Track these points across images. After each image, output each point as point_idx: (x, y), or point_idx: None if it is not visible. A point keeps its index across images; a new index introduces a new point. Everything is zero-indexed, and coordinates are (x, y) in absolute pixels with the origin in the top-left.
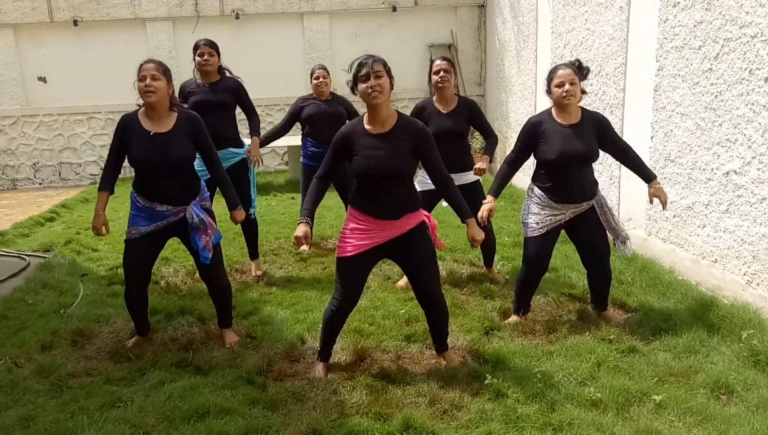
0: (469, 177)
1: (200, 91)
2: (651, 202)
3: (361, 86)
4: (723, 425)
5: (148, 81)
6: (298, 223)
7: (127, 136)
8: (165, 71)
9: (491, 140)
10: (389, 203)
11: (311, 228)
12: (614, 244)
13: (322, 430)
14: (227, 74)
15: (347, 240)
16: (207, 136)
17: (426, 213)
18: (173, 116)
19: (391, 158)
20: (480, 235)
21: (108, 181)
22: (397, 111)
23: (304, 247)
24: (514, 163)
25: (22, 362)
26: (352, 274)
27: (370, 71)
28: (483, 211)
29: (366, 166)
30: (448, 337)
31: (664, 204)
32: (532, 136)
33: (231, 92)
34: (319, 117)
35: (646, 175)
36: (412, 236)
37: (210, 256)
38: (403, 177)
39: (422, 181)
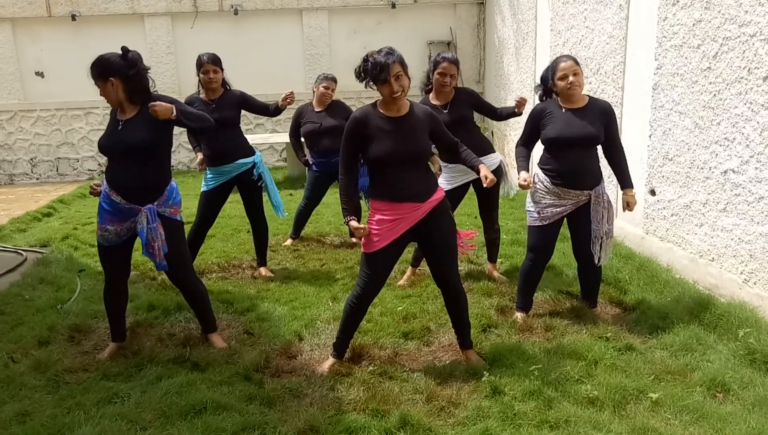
0: (493, 160)
1: (206, 110)
2: (624, 209)
3: (382, 88)
4: (719, 423)
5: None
6: (348, 224)
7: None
8: (101, 73)
9: (500, 110)
10: (414, 184)
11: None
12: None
13: (319, 426)
14: (228, 87)
15: (375, 233)
16: (178, 105)
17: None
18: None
19: (413, 138)
20: (491, 175)
21: None
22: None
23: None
24: (526, 145)
25: (19, 358)
26: (380, 264)
27: (390, 77)
28: (525, 180)
29: (389, 148)
30: (470, 330)
31: (630, 208)
32: (538, 119)
33: (235, 107)
34: (316, 133)
35: (624, 181)
36: (437, 217)
37: (165, 264)
38: (424, 157)
39: (448, 179)
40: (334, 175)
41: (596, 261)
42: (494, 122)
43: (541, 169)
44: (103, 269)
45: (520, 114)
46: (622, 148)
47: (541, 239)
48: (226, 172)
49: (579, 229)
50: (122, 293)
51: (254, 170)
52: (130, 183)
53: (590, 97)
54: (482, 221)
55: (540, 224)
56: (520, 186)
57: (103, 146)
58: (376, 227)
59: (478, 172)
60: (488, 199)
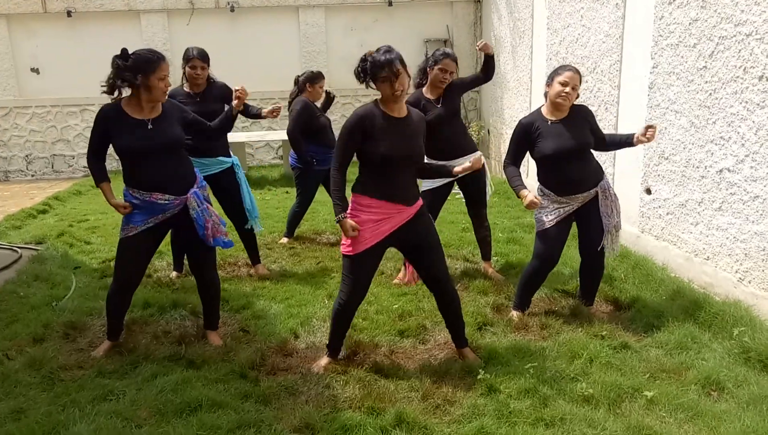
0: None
1: (190, 102)
2: (644, 135)
3: (383, 87)
4: (714, 421)
5: (168, 82)
6: (341, 221)
7: (112, 127)
8: None
9: (480, 73)
10: (405, 187)
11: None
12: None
13: (314, 424)
14: (212, 80)
15: (359, 233)
16: (189, 112)
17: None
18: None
19: (412, 140)
20: (476, 160)
21: (104, 172)
22: None
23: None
24: (515, 162)
25: (14, 355)
26: (364, 267)
27: (392, 75)
28: (530, 200)
29: (391, 147)
30: (464, 329)
31: (652, 133)
32: (527, 136)
33: (220, 100)
34: (327, 126)
35: (627, 139)
36: (419, 221)
37: (228, 239)
38: (420, 160)
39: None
40: (323, 172)
41: (609, 253)
42: (491, 121)
43: (543, 186)
44: (120, 269)
45: (490, 54)
46: (603, 133)
47: (550, 245)
48: (205, 166)
49: (588, 223)
50: (129, 297)
51: (233, 171)
52: (171, 177)
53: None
54: (471, 220)
55: (548, 228)
56: (529, 206)
57: (138, 148)
58: (361, 227)
59: (455, 174)
60: (474, 197)
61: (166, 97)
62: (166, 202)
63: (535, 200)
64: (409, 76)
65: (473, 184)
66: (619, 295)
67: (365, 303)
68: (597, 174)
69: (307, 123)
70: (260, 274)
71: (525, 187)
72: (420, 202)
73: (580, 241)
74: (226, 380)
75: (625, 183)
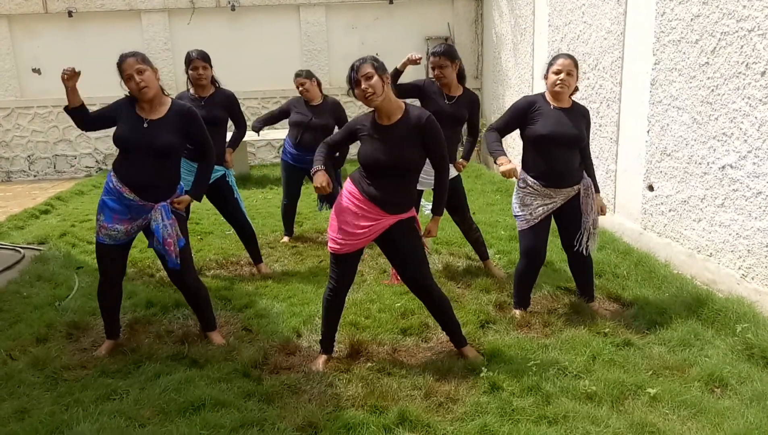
0: (452, 172)
1: (194, 106)
2: (598, 213)
3: (356, 91)
4: (717, 418)
5: (137, 78)
6: (314, 173)
7: (119, 114)
8: (145, 59)
9: (473, 139)
10: (387, 192)
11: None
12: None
13: (317, 422)
14: (218, 86)
15: (339, 232)
16: (200, 127)
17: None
18: (167, 103)
19: (393, 150)
20: (434, 232)
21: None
22: (405, 103)
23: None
24: (500, 132)
25: (17, 355)
26: (348, 261)
27: (359, 77)
28: (508, 168)
29: (367, 156)
30: (461, 329)
31: (603, 212)
32: (525, 112)
33: (225, 107)
34: (302, 126)
35: (595, 186)
36: (401, 227)
37: (178, 261)
38: (404, 170)
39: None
40: (307, 171)
41: (584, 252)
42: (492, 118)
43: (528, 175)
44: (100, 267)
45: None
46: (590, 154)
47: (534, 241)
48: None
49: (570, 221)
50: (118, 291)
51: (226, 178)
52: (147, 180)
53: (573, 101)
54: (458, 227)
55: (532, 225)
56: (506, 173)
57: (126, 140)
58: (342, 219)
59: (434, 213)
60: (454, 206)
61: (151, 93)
62: (131, 199)
63: (512, 167)
64: (383, 81)
65: (450, 189)
66: (622, 293)
67: (368, 301)
68: (579, 172)
69: (284, 112)
70: (263, 273)
71: (504, 154)
72: (410, 213)
73: (562, 239)
74: (229, 379)
75: (627, 180)
